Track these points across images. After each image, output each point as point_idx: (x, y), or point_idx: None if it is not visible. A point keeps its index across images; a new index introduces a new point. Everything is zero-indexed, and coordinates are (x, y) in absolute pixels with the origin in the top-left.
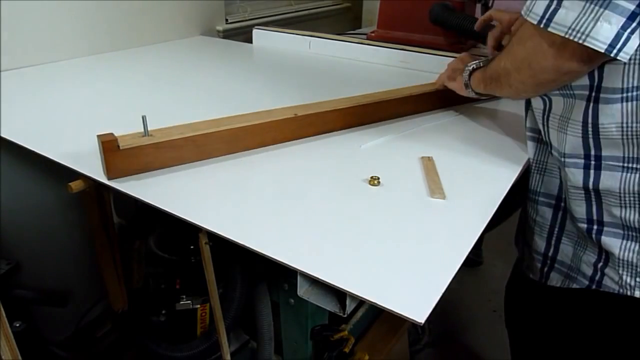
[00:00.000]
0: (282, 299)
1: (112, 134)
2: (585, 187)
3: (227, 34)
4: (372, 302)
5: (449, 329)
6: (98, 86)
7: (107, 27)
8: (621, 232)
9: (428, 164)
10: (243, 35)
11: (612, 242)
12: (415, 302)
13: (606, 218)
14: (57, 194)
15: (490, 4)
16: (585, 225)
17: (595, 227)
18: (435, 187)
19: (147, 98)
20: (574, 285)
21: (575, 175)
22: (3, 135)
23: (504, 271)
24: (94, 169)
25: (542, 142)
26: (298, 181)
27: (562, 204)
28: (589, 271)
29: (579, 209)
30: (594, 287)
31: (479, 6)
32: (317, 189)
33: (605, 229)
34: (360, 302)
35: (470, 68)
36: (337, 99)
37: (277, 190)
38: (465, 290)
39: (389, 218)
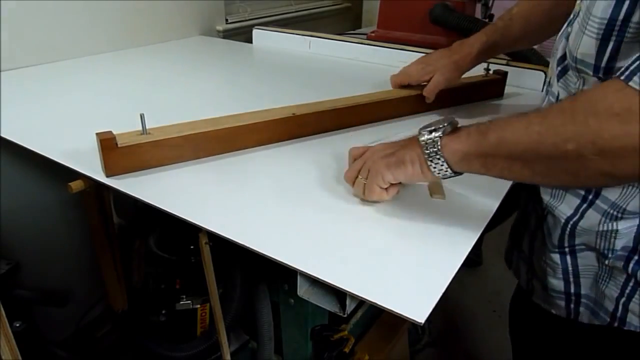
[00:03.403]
0: (282, 299)
1: (110, 131)
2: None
3: (227, 34)
4: (372, 302)
5: (449, 329)
6: (98, 86)
7: (106, 27)
8: None
9: None
10: (243, 35)
11: None
12: (415, 302)
13: None
14: (57, 194)
15: (490, 4)
16: (625, 254)
17: (636, 257)
18: (435, 187)
19: (147, 98)
20: (596, 322)
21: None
22: (3, 135)
23: (504, 271)
24: (94, 169)
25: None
26: (298, 181)
27: (567, 249)
28: (610, 306)
29: (619, 241)
30: (616, 324)
31: (479, 6)
32: (316, 188)
33: None
34: (360, 302)
35: (438, 135)
36: (337, 99)
37: (277, 189)
38: (465, 290)
39: (388, 218)
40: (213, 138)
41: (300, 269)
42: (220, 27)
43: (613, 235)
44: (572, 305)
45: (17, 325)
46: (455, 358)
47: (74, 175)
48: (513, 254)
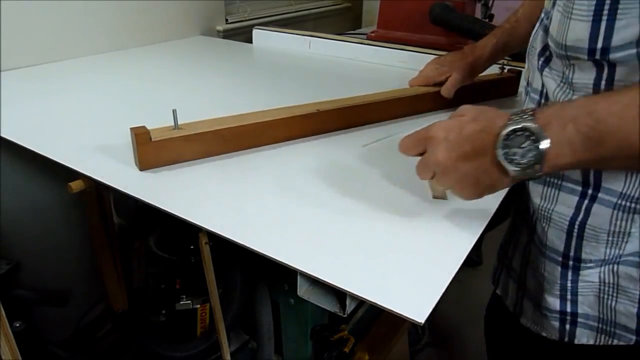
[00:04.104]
0: (282, 299)
1: (144, 126)
2: None
3: (227, 34)
4: (372, 302)
5: (449, 329)
6: (98, 86)
7: (107, 27)
8: None
9: None
10: (243, 35)
11: None
12: (415, 302)
13: None
14: (57, 194)
15: (490, 4)
16: (638, 260)
17: None
18: (436, 187)
19: (147, 98)
20: (616, 342)
21: None
22: (3, 135)
23: None
24: (94, 169)
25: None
26: (298, 180)
27: (571, 262)
28: (631, 323)
29: (630, 244)
30: None
31: (479, 6)
32: (317, 188)
33: None
34: (360, 302)
35: (534, 159)
36: (338, 99)
37: (277, 189)
38: (465, 290)
39: (389, 218)
40: (242, 133)
41: (300, 269)
42: (220, 27)
43: (625, 238)
44: (567, 326)
45: (17, 325)
46: (455, 358)
47: (74, 175)
48: (502, 274)
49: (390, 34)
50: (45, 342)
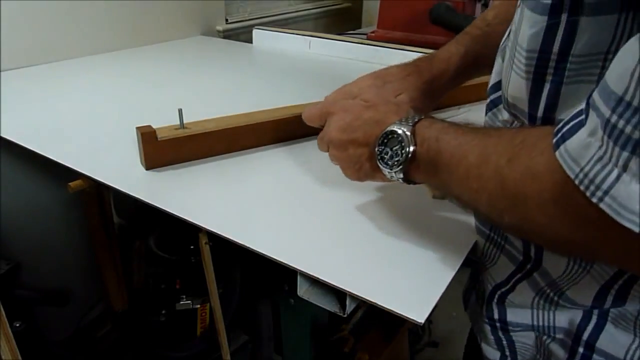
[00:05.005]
0: (282, 299)
1: (150, 125)
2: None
3: (227, 34)
4: (372, 302)
5: (449, 329)
6: (98, 86)
7: (107, 27)
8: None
9: None
10: (243, 35)
11: None
12: (415, 302)
13: (608, 347)
14: (57, 194)
15: (490, 4)
16: (569, 342)
17: (581, 349)
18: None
19: (147, 98)
20: None
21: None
22: (3, 135)
23: None
24: (94, 169)
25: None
26: (298, 180)
27: (499, 324)
28: None
29: (560, 316)
30: None
31: (479, 6)
32: (317, 188)
33: (596, 357)
34: (360, 302)
35: (400, 169)
36: None
37: (277, 189)
38: None
39: (389, 218)
40: (248, 132)
41: (300, 269)
42: (220, 27)
43: (551, 313)
44: None
45: (17, 325)
46: (455, 358)
47: (74, 175)
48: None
49: (390, 34)
50: (45, 342)
